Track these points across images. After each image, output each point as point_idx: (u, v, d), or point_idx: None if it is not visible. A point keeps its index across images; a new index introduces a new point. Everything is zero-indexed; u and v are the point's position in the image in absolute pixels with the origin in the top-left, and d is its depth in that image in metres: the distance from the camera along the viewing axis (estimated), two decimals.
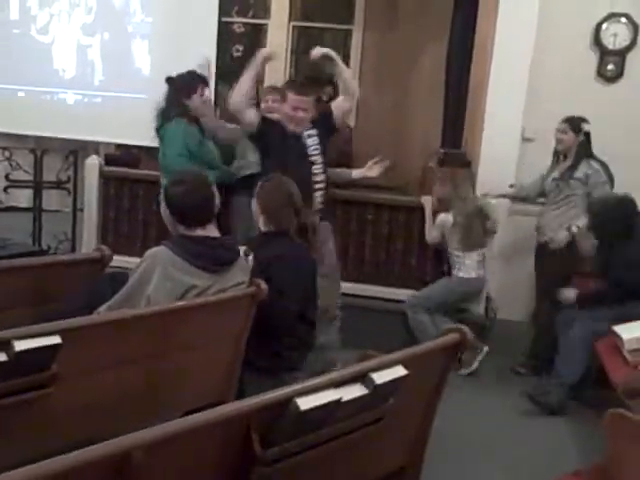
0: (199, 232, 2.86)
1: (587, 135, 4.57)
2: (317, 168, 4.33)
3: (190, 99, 4.30)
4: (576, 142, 4.56)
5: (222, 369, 2.99)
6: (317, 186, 4.29)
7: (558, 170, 4.62)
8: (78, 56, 6.30)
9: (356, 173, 4.78)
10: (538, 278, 4.74)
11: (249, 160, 4.57)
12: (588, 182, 4.49)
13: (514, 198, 5.03)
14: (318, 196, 4.27)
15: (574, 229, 4.44)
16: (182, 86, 4.31)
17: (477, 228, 4.67)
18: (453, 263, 4.66)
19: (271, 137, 4.22)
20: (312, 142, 4.34)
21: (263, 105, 4.69)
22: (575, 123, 4.56)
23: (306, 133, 4.32)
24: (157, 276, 2.73)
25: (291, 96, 4.22)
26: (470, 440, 3.67)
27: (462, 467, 3.40)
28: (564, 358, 4.08)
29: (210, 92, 4.55)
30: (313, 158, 4.33)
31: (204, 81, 4.40)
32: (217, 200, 2.98)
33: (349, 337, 4.33)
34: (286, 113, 4.25)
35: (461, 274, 4.62)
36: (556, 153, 4.68)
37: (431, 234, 4.73)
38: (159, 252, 2.80)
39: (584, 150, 4.55)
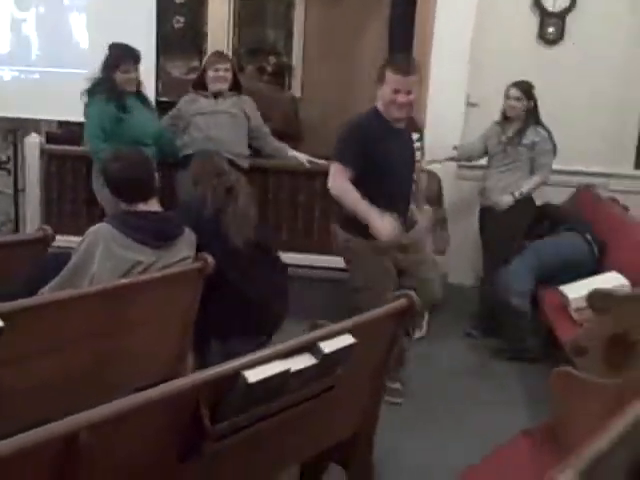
0: (141, 207, 2.83)
1: (535, 101, 4.59)
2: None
3: (115, 73, 4.22)
4: (525, 107, 4.57)
5: (172, 346, 2.97)
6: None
7: (505, 134, 4.64)
8: (12, 31, 6.10)
9: (293, 154, 4.74)
10: (484, 242, 4.79)
11: (193, 137, 4.51)
12: (534, 148, 4.53)
13: (458, 160, 5.06)
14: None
15: (517, 194, 4.50)
16: (111, 58, 4.24)
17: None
18: None
19: (372, 149, 3.50)
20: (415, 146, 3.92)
21: (212, 74, 4.53)
22: (527, 89, 4.56)
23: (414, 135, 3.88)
24: (100, 254, 2.69)
25: (390, 76, 3.48)
26: (423, 404, 3.72)
27: (415, 428, 3.45)
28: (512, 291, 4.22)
29: (138, 70, 4.33)
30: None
31: (129, 56, 4.26)
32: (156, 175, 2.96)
33: (297, 309, 4.32)
34: (384, 97, 3.51)
35: None
36: (503, 116, 4.68)
37: None
38: (100, 229, 2.76)
39: (532, 116, 4.57)
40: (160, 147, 4.42)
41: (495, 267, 4.49)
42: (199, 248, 3.08)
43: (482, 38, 5.13)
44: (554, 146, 4.58)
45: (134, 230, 2.76)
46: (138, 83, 4.40)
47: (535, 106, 4.59)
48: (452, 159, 5.03)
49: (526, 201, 4.58)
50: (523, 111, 4.56)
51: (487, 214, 4.69)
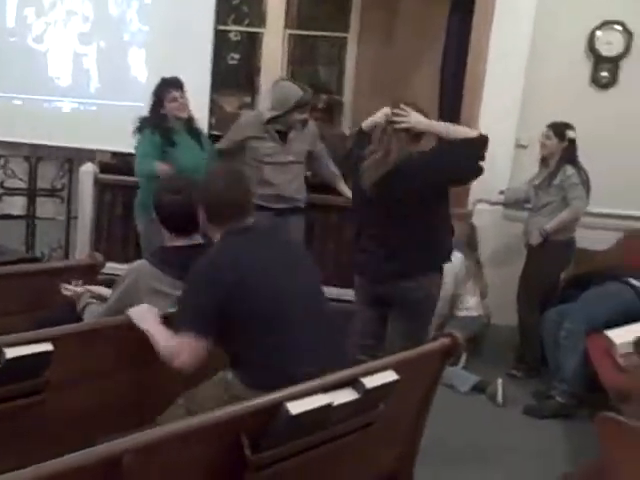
0: (181, 241, 2.83)
1: (572, 142, 4.53)
2: None
3: (164, 107, 4.29)
4: (560, 149, 4.52)
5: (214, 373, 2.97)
6: None
7: (540, 176, 4.61)
8: (74, 64, 6.29)
9: (342, 189, 4.74)
10: (519, 280, 4.74)
11: (264, 191, 4.46)
12: (563, 187, 4.47)
13: (505, 205, 5.04)
14: None
15: (542, 232, 4.44)
16: (155, 96, 4.32)
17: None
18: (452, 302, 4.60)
19: None
20: None
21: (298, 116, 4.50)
22: (559, 129, 4.53)
23: None
24: (142, 292, 2.70)
25: None
26: (462, 444, 3.67)
27: (454, 471, 3.39)
28: (562, 357, 4.12)
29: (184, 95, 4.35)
30: None
31: (172, 85, 4.30)
32: None
33: None
34: None
35: (462, 314, 4.59)
36: (541, 158, 4.66)
37: None
38: (140, 267, 2.78)
39: (567, 157, 4.51)
40: None
41: (527, 306, 4.52)
42: None
43: (534, 80, 5.13)
44: (584, 183, 4.47)
45: (170, 266, 2.76)
46: (190, 116, 4.42)
47: (571, 148, 4.51)
48: (500, 203, 5.02)
49: (560, 243, 4.50)
50: (557, 151, 4.50)
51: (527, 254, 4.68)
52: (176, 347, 2.38)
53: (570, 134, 4.52)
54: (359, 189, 3.35)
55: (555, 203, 4.51)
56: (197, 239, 2.88)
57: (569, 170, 4.47)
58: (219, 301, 2.33)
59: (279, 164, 4.48)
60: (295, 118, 4.46)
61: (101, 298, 2.96)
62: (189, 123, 4.43)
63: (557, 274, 4.61)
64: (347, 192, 4.72)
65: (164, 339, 2.43)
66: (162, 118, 4.29)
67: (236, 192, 2.59)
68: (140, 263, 2.81)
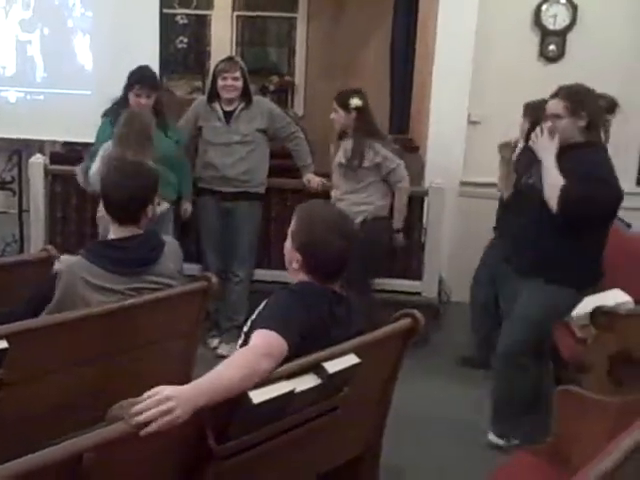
0: (124, 232, 2.74)
1: (360, 110, 4.15)
2: None
3: (129, 92, 4.23)
4: (350, 120, 4.16)
5: (176, 367, 2.95)
6: None
7: (343, 154, 4.25)
8: (18, 53, 6.15)
9: (307, 177, 4.69)
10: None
11: (209, 174, 4.50)
12: (381, 170, 4.20)
13: None
14: None
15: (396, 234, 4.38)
16: (129, 77, 4.25)
17: None
18: None
19: None
20: None
21: (221, 82, 4.37)
22: (341, 99, 4.16)
23: None
24: (82, 291, 2.62)
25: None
26: (429, 422, 3.71)
27: (421, 450, 3.44)
28: None
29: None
30: None
31: (144, 81, 4.22)
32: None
33: None
34: None
35: None
36: (339, 135, 4.34)
37: None
38: (75, 265, 2.67)
39: (363, 130, 4.15)
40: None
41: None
42: None
43: (483, 56, 5.16)
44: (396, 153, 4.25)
45: (109, 261, 2.67)
46: (159, 109, 4.31)
47: (360, 117, 4.15)
48: None
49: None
50: (348, 123, 4.18)
51: None
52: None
53: (354, 102, 4.14)
54: None
55: (372, 184, 4.25)
56: (135, 229, 2.77)
57: (382, 150, 4.16)
58: None
59: (223, 145, 4.43)
60: (218, 86, 4.41)
61: None
62: (157, 114, 4.28)
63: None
64: (313, 183, 4.66)
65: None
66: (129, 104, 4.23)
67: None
68: (73, 261, 2.71)
